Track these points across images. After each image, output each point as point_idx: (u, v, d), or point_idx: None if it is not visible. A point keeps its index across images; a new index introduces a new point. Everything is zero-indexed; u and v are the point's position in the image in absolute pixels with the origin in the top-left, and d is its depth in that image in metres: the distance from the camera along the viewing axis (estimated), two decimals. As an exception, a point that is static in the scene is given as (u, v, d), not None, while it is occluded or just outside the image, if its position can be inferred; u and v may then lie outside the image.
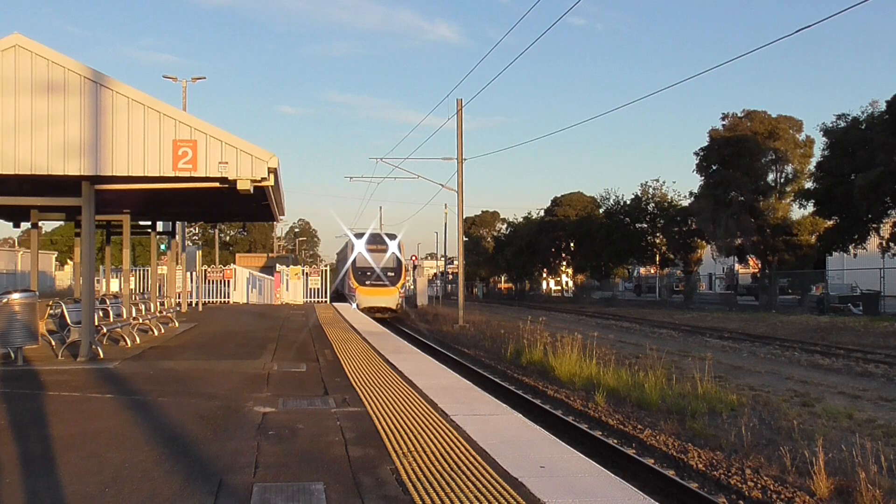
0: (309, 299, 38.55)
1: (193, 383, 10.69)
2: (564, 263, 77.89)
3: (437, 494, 5.43)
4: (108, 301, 17.12)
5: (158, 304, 22.24)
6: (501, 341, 25.21)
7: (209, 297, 38.55)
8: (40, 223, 19.27)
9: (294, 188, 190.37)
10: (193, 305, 31.72)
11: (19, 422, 8.03)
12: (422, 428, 7.61)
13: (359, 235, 42.38)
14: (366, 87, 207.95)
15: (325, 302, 38.50)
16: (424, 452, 6.62)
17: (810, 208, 45.02)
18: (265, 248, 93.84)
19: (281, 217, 23.16)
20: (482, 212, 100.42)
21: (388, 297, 40.56)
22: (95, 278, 19.57)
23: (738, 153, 46.20)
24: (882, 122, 38.14)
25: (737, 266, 61.10)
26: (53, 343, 14.42)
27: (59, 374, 11.52)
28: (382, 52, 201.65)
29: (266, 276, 45.92)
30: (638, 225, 61.25)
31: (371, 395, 9.59)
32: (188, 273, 32.29)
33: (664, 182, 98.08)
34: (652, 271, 75.36)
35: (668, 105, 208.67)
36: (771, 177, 47.90)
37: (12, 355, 12.52)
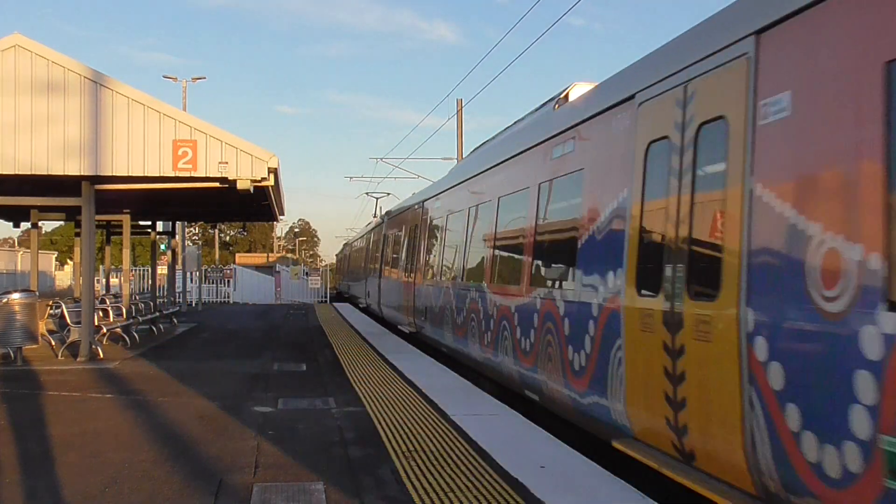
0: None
1: (193, 383, 10.69)
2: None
3: (437, 494, 5.43)
4: (108, 301, 17.12)
5: (158, 303, 22.22)
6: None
7: (209, 297, 38.60)
8: (40, 223, 19.28)
9: (294, 188, 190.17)
10: (193, 305, 31.73)
11: (19, 422, 8.03)
12: (422, 428, 7.61)
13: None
14: (365, 87, 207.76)
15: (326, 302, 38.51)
16: (424, 452, 6.62)
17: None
18: (265, 248, 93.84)
19: (281, 217, 23.15)
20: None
21: None
22: (95, 278, 19.56)
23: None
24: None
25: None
26: (53, 343, 14.41)
27: (59, 374, 11.52)
28: (381, 52, 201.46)
29: (266, 275, 45.99)
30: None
31: (371, 394, 9.59)
32: (188, 273, 32.30)
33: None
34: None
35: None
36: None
37: (12, 355, 12.52)
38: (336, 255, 68.60)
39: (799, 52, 4.48)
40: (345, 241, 56.86)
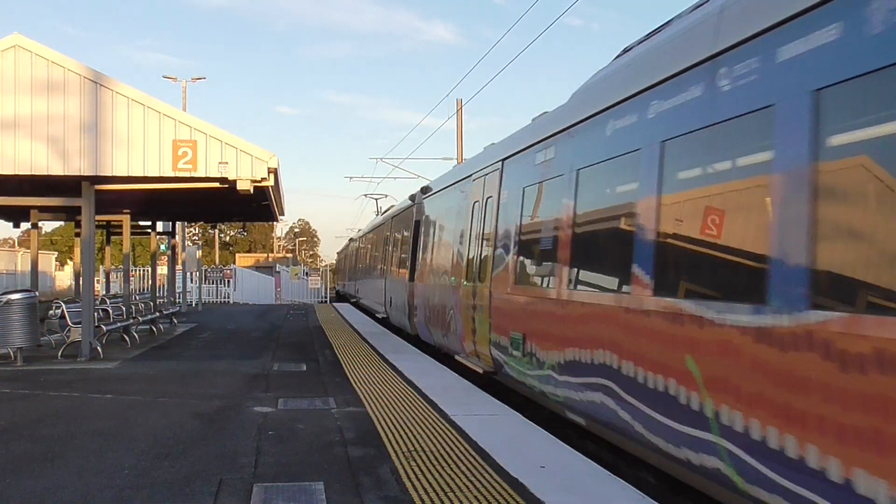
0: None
1: (193, 383, 10.69)
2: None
3: (437, 494, 5.43)
4: (108, 301, 17.11)
5: (158, 303, 22.21)
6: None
7: (209, 298, 38.55)
8: (40, 223, 19.26)
9: (294, 188, 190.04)
10: (193, 305, 31.71)
11: (19, 422, 8.03)
12: (422, 428, 7.61)
13: None
14: (364, 88, 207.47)
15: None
16: (424, 452, 6.62)
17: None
18: (265, 248, 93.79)
19: (281, 217, 23.14)
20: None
21: None
22: (95, 278, 19.54)
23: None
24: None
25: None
26: (53, 343, 14.41)
27: (59, 374, 11.52)
28: (380, 52, 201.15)
29: (266, 276, 45.95)
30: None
31: (371, 394, 9.59)
32: (188, 273, 32.28)
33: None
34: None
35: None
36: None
37: (12, 355, 12.52)
38: (336, 259, 69.61)
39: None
40: (337, 251, 65.98)
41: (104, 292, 22.41)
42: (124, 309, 16.87)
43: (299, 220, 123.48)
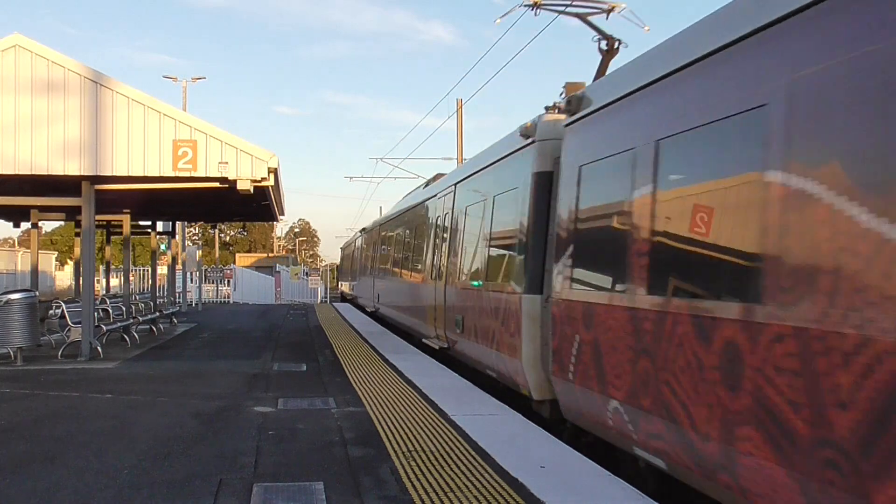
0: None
1: (193, 383, 10.69)
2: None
3: (437, 494, 5.43)
4: (108, 301, 17.11)
5: (158, 303, 22.22)
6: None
7: (209, 297, 38.54)
8: (40, 223, 19.27)
9: (294, 188, 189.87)
10: (193, 305, 31.71)
11: (19, 422, 8.03)
12: (421, 428, 7.61)
13: None
14: (363, 88, 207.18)
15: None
16: (424, 452, 6.62)
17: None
18: (265, 248, 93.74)
19: (281, 217, 23.15)
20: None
21: None
22: (95, 278, 19.56)
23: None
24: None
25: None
26: (53, 343, 14.41)
27: (59, 374, 11.52)
28: (379, 52, 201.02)
29: (266, 276, 45.96)
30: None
31: (371, 394, 9.59)
32: (188, 273, 32.28)
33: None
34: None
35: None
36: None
37: (12, 355, 12.52)
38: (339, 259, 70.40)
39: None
40: (339, 250, 68.98)
41: (104, 292, 22.42)
42: (124, 309, 16.87)
43: (299, 220, 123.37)
